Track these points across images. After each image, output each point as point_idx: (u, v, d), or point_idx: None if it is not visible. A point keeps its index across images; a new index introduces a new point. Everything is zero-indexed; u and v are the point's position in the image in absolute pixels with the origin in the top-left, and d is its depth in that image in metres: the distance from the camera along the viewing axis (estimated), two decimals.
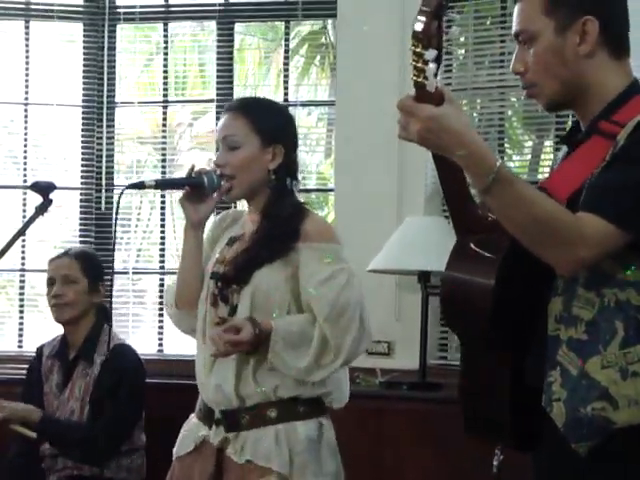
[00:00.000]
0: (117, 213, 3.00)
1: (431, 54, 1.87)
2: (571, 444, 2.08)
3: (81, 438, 3.89)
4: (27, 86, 5.25)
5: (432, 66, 1.88)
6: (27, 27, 5.27)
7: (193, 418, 2.98)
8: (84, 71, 5.25)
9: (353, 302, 2.79)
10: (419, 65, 1.89)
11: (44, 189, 2.91)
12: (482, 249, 2.06)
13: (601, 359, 2.06)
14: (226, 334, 2.74)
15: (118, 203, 2.97)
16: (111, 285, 3.22)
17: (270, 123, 2.94)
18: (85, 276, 4.09)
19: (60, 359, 4.11)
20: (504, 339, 2.17)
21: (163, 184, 3.02)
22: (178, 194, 3.00)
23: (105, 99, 5.23)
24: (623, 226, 2.00)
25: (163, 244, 5.23)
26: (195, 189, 2.90)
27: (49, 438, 3.95)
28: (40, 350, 4.22)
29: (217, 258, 2.97)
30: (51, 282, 4.12)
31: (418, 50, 1.88)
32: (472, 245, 2.06)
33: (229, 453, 2.84)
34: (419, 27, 1.88)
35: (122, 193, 2.85)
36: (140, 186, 2.91)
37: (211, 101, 5.19)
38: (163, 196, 5.26)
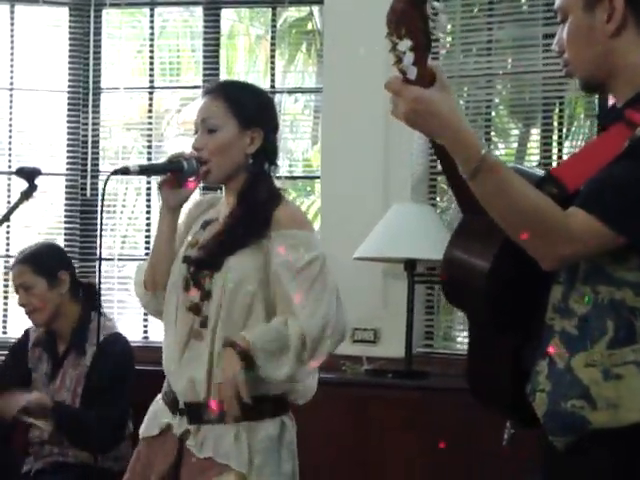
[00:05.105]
0: (103, 199, 2.97)
1: (404, 45, 1.83)
2: (549, 436, 2.05)
3: (95, 427, 3.83)
4: (12, 71, 5.23)
5: (409, 55, 1.84)
6: (12, 11, 5.24)
7: (160, 400, 2.93)
8: (70, 56, 5.24)
9: (328, 289, 2.74)
10: (396, 53, 1.86)
11: (29, 174, 2.89)
12: (486, 228, 1.99)
13: (586, 356, 2.00)
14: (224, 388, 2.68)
15: (104, 190, 2.92)
16: (99, 272, 3.19)
17: (249, 106, 2.88)
18: (40, 276, 4.00)
19: (48, 350, 4.06)
20: (502, 320, 2.11)
21: (147, 170, 3.02)
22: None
23: (91, 84, 5.22)
24: (614, 227, 1.92)
25: (149, 231, 5.21)
26: (176, 174, 2.86)
27: (63, 426, 3.86)
28: (27, 334, 4.17)
29: (189, 241, 2.93)
30: (16, 290, 4.08)
31: (392, 39, 1.85)
32: (475, 223, 2.00)
33: (189, 445, 2.80)
34: (389, 15, 1.84)
35: (108, 179, 2.80)
36: (125, 172, 2.85)
37: (198, 87, 5.17)
38: (149, 182, 5.24)
